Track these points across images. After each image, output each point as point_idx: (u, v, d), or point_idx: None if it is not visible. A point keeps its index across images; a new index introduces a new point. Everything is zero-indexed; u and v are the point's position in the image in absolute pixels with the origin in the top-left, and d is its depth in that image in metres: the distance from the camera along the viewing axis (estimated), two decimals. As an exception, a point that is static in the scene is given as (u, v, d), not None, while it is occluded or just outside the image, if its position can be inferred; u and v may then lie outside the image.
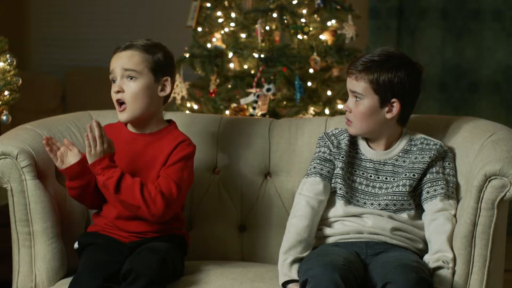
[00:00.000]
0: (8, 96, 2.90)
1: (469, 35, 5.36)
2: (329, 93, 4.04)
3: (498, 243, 2.46)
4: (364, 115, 2.57)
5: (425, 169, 2.58)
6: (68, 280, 2.51)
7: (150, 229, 2.61)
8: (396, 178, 2.59)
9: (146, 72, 2.61)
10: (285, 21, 3.90)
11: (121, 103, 2.62)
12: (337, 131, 2.67)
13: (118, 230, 2.63)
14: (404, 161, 2.61)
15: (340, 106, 3.97)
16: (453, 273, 2.44)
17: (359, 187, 2.61)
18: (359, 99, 2.57)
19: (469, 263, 2.44)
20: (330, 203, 2.62)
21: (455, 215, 2.54)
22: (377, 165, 2.62)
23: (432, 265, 2.45)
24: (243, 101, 3.84)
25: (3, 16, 6.21)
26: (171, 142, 2.63)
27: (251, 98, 3.82)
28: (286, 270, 2.50)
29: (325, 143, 2.66)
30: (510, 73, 5.33)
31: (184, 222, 2.73)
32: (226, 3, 4.03)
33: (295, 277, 2.47)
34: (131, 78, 2.61)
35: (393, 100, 2.55)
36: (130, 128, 2.70)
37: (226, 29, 4.01)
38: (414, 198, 2.59)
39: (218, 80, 3.95)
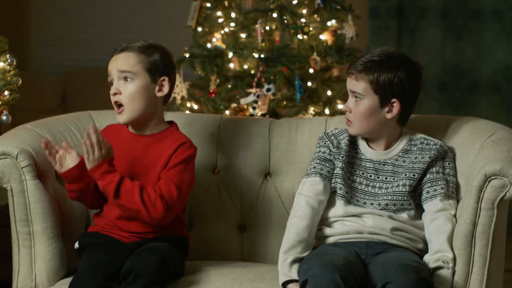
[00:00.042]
0: (8, 96, 2.90)
1: (469, 35, 5.36)
2: (329, 93, 4.04)
3: (498, 243, 2.46)
4: (364, 115, 2.57)
5: (425, 169, 2.58)
6: (68, 280, 2.51)
7: (151, 229, 2.61)
8: (396, 178, 2.59)
9: (142, 73, 2.62)
10: (285, 21, 3.90)
11: (119, 105, 2.63)
12: (337, 131, 2.67)
13: (119, 230, 2.63)
14: (404, 161, 2.61)
15: (340, 106, 3.97)
16: (453, 273, 2.44)
17: (359, 187, 2.61)
18: (359, 99, 2.57)
19: (469, 263, 2.44)
20: (330, 203, 2.62)
21: (455, 215, 2.54)
22: (377, 165, 2.62)
23: (432, 265, 2.45)
24: (243, 101, 3.84)
25: (3, 16, 6.21)
26: (172, 144, 2.63)
27: (251, 98, 3.82)
28: (286, 270, 2.50)
29: (325, 143, 2.66)
30: (510, 73, 5.33)
31: (185, 224, 2.73)
32: (226, 3, 4.03)
33: (295, 277, 2.47)
34: (127, 80, 2.61)
35: (393, 100, 2.55)
36: (131, 129, 2.70)
37: (226, 29, 4.01)
38: (414, 198, 2.59)
39: (218, 80, 3.95)
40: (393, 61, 2.55)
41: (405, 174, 2.58)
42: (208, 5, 4.06)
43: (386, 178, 2.60)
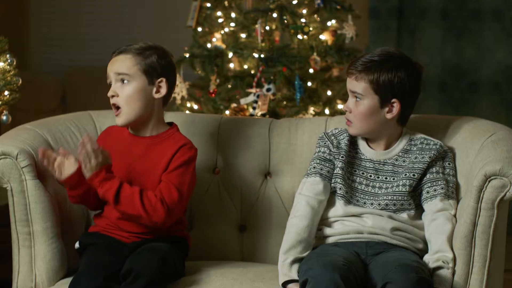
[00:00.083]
0: (8, 96, 2.90)
1: (469, 35, 5.36)
2: (329, 93, 4.04)
3: (498, 243, 2.46)
4: (364, 115, 2.57)
5: (425, 169, 2.58)
6: (68, 280, 2.51)
7: (151, 230, 2.61)
8: (396, 178, 2.59)
9: (139, 75, 2.62)
10: (285, 21, 3.90)
11: (117, 107, 2.63)
12: (337, 131, 2.67)
13: (119, 231, 2.63)
14: (404, 161, 2.61)
15: (340, 106, 3.97)
16: (453, 273, 2.44)
17: (359, 187, 2.61)
18: (359, 99, 2.57)
19: (469, 263, 2.44)
20: (330, 203, 2.62)
21: (455, 215, 2.54)
22: (377, 165, 2.62)
23: (432, 265, 2.45)
24: (243, 101, 3.84)
25: (3, 16, 6.21)
26: (172, 146, 2.63)
27: (251, 98, 3.82)
28: (286, 270, 2.50)
29: (325, 143, 2.66)
30: (510, 73, 5.33)
31: (185, 224, 2.74)
32: (226, 3, 4.03)
33: (295, 277, 2.47)
34: (124, 82, 2.62)
35: (393, 100, 2.55)
36: (130, 131, 2.70)
37: (226, 29, 4.01)
38: (414, 198, 2.59)
39: (218, 80, 3.95)
40: (393, 61, 2.55)
41: (405, 174, 2.58)
42: (208, 5, 4.06)
43: (386, 178, 2.60)
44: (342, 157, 2.61)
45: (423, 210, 2.59)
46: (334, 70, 4.08)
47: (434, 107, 5.39)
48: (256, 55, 3.86)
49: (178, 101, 4.08)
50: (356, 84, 2.56)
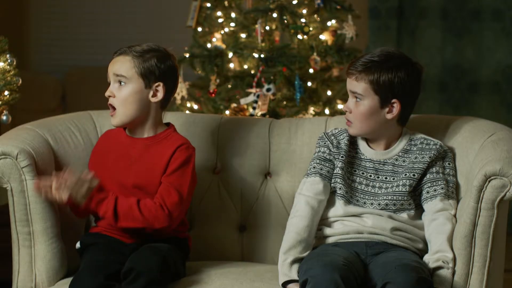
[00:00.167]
0: (8, 96, 2.90)
1: (469, 35, 5.36)
2: (329, 93, 4.04)
3: (498, 243, 2.46)
4: (364, 115, 2.57)
5: (425, 169, 2.58)
6: (68, 280, 2.51)
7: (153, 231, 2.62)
8: (396, 178, 2.59)
9: (136, 77, 2.62)
10: (285, 21, 3.90)
11: (113, 107, 2.64)
12: (336, 131, 2.67)
13: (120, 231, 2.62)
14: (404, 161, 2.61)
15: (340, 106, 3.97)
16: (453, 273, 2.44)
17: (359, 187, 2.61)
18: (359, 99, 2.57)
19: (469, 263, 2.44)
20: (330, 203, 2.62)
21: (455, 215, 2.54)
22: (376, 164, 2.62)
23: (432, 265, 2.45)
24: (243, 101, 3.84)
25: (3, 16, 6.21)
26: (169, 147, 2.63)
27: (251, 98, 3.82)
28: (286, 270, 2.50)
29: (325, 143, 2.66)
30: (510, 73, 5.33)
31: (187, 225, 2.74)
32: (226, 3, 4.03)
33: (295, 277, 2.47)
34: (121, 84, 2.62)
35: (394, 100, 2.55)
36: (128, 132, 2.70)
37: (226, 29, 4.01)
38: (414, 198, 2.59)
39: (218, 80, 3.95)
40: (393, 61, 2.55)
41: (405, 174, 2.58)
42: (208, 5, 4.06)
43: (386, 178, 2.60)
44: (342, 157, 2.61)
45: (423, 210, 2.59)
46: (334, 70, 4.08)
47: (434, 107, 5.39)
48: (256, 55, 3.86)
49: (178, 101, 4.08)
50: (356, 85, 2.56)
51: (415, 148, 2.62)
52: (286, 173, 2.88)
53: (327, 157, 2.64)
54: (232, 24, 3.99)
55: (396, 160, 2.62)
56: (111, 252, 2.55)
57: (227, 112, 3.87)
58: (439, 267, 2.44)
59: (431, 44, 5.39)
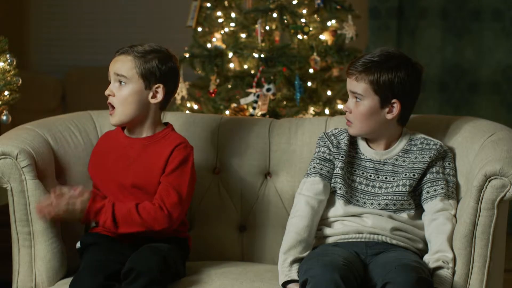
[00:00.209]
0: (8, 96, 2.90)
1: (469, 35, 5.36)
2: (329, 93, 4.04)
3: (498, 243, 2.46)
4: (365, 115, 2.57)
5: (425, 169, 2.58)
6: (68, 280, 2.51)
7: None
8: (396, 178, 2.59)
9: (136, 78, 2.61)
10: (285, 21, 3.90)
11: (112, 106, 2.64)
12: (336, 131, 2.67)
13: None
14: (404, 161, 2.61)
15: (340, 106, 3.97)
16: (453, 273, 2.44)
17: (359, 187, 2.61)
18: (359, 99, 2.57)
19: (469, 263, 2.44)
20: (330, 203, 2.62)
21: (455, 215, 2.54)
22: (376, 164, 2.62)
23: (432, 265, 2.45)
24: (243, 101, 3.84)
25: (3, 16, 6.21)
26: (167, 146, 2.63)
27: (251, 98, 3.82)
28: (286, 270, 2.50)
29: (325, 143, 2.66)
30: (510, 73, 5.33)
31: (187, 225, 2.74)
32: (226, 3, 4.03)
33: (295, 277, 2.47)
34: (121, 83, 2.62)
35: (394, 100, 2.55)
36: (126, 133, 2.70)
37: (226, 29, 4.01)
38: (414, 198, 2.59)
39: (218, 80, 3.95)
40: (393, 61, 2.55)
41: (405, 174, 2.58)
42: (208, 5, 4.06)
43: (386, 178, 2.60)
44: (342, 157, 2.61)
45: (423, 210, 2.59)
46: (334, 70, 4.08)
47: (434, 107, 5.39)
48: (256, 55, 3.86)
49: (178, 101, 4.08)
50: (356, 85, 2.56)
51: (415, 148, 2.62)
52: (286, 173, 2.88)
53: (327, 157, 2.64)
54: (232, 24, 3.99)
55: (396, 160, 2.62)
56: (111, 252, 2.55)
57: (227, 112, 3.87)
58: (439, 267, 2.44)
59: (431, 44, 5.39)
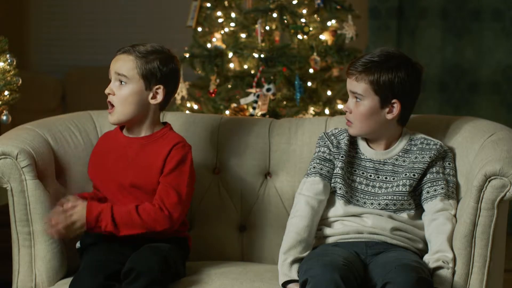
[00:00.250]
0: (8, 96, 2.90)
1: (469, 35, 5.36)
2: (329, 93, 4.04)
3: (498, 243, 2.46)
4: (365, 116, 2.57)
5: (425, 169, 2.58)
6: (68, 280, 2.51)
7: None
8: (396, 178, 2.59)
9: (137, 78, 2.61)
10: (285, 21, 3.90)
11: (111, 104, 2.64)
12: (336, 131, 2.67)
13: (120, 232, 2.63)
14: (404, 161, 2.61)
15: (340, 106, 3.97)
16: (453, 273, 2.44)
17: (359, 187, 2.61)
18: (359, 99, 2.57)
19: (469, 263, 2.44)
20: (330, 202, 2.62)
21: (455, 215, 2.54)
22: (377, 164, 2.62)
23: (432, 265, 2.45)
24: (243, 101, 3.84)
25: (3, 16, 6.21)
26: (165, 146, 2.63)
27: (251, 98, 3.82)
28: (286, 270, 2.50)
29: (325, 143, 2.66)
30: (510, 73, 5.33)
31: (187, 225, 2.74)
32: (226, 3, 4.03)
33: (295, 277, 2.47)
34: (122, 83, 2.62)
35: (394, 100, 2.55)
36: (125, 132, 2.70)
37: (226, 29, 4.01)
38: (414, 198, 2.59)
39: (218, 80, 3.95)
40: (393, 61, 2.55)
41: (405, 174, 2.58)
42: (208, 5, 4.06)
43: (386, 178, 2.60)
44: (342, 157, 2.61)
45: (423, 210, 2.59)
46: (334, 70, 4.08)
47: (434, 107, 5.39)
48: (256, 55, 3.86)
49: (178, 101, 4.08)
50: (356, 85, 2.56)
51: (415, 148, 2.62)
52: (286, 173, 2.88)
53: (327, 157, 2.64)
54: (232, 24, 3.99)
55: (396, 160, 2.62)
56: (111, 252, 2.55)
57: (227, 112, 3.87)
58: (439, 267, 2.44)
59: (431, 44, 5.39)
